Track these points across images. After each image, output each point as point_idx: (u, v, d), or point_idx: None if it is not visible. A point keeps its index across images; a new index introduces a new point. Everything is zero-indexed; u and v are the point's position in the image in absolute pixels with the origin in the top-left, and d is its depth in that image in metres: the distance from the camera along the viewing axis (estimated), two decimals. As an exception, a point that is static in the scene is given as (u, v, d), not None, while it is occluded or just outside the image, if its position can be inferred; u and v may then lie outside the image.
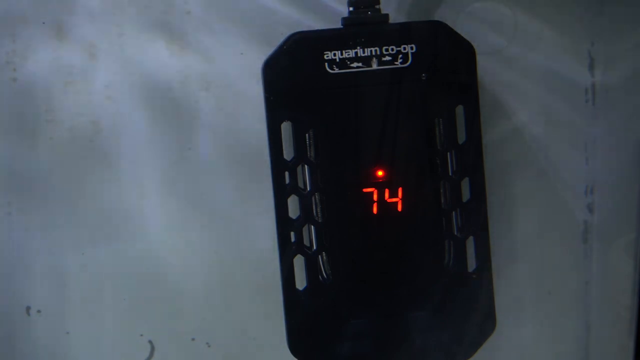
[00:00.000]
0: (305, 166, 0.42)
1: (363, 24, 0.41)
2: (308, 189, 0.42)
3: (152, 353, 0.47)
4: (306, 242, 0.42)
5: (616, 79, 0.47)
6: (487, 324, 0.43)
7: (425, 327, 0.43)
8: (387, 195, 0.42)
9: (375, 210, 0.42)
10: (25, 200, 0.46)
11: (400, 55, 0.41)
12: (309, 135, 0.41)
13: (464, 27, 0.45)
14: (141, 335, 0.47)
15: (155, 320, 0.47)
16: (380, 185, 0.42)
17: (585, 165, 0.47)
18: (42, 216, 0.46)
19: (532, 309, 0.48)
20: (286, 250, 0.42)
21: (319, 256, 0.42)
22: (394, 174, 0.42)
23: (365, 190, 0.42)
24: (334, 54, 0.41)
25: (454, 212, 0.43)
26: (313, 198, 0.42)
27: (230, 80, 0.46)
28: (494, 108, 0.46)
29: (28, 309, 0.46)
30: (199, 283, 0.47)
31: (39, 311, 0.46)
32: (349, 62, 0.41)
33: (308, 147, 0.42)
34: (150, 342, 0.47)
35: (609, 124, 0.47)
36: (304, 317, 0.42)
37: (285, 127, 0.42)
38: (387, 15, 0.42)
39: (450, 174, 0.42)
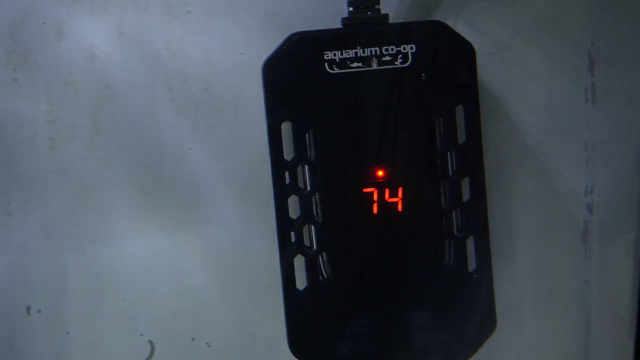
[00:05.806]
0: (305, 166, 0.42)
1: (363, 24, 0.41)
2: (308, 189, 0.42)
3: (152, 353, 0.47)
4: (306, 242, 0.42)
5: (616, 79, 0.47)
6: (487, 324, 0.43)
7: (426, 327, 0.43)
8: (387, 195, 0.42)
9: (375, 210, 0.42)
10: (25, 200, 0.46)
11: (400, 55, 0.41)
12: (309, 135, 0.41)
13: (464, 27, 0.45)
14: (141, 335, 0.47)
15: (155, 320, 0.47)
16: (380, 185, 0.42)
17: (585, 165, 0.47)
18: (42, 216, 0.46)
19: (532, 309, 0.48)
20: (286, 250, 0.42)
21: (319, 256, 0.42)
22: (394, 174, 0.42)
23: (365, 190, 0.42)
24: (334, 54, 0.41)
25: (454, 212, 0.43)
26: (313, 198, 0.42)
27: (230, 80, 0.46)
28: (494, 108, 0.46)
29: (28, 309, 0.46)
30: (199, 283, 0.47)
31: (39, 311, 0.46)
32: (349, 62, 0.41)
33: (308, 147, 0.42)
34: (150, 342, 0.47)
35: (609, 124, 0.47)
36: (304, 317, 0.42)
37: (285, 127, 0.42)
38: (387, 15, 0.42)
39: (450, 174, 0.42)
